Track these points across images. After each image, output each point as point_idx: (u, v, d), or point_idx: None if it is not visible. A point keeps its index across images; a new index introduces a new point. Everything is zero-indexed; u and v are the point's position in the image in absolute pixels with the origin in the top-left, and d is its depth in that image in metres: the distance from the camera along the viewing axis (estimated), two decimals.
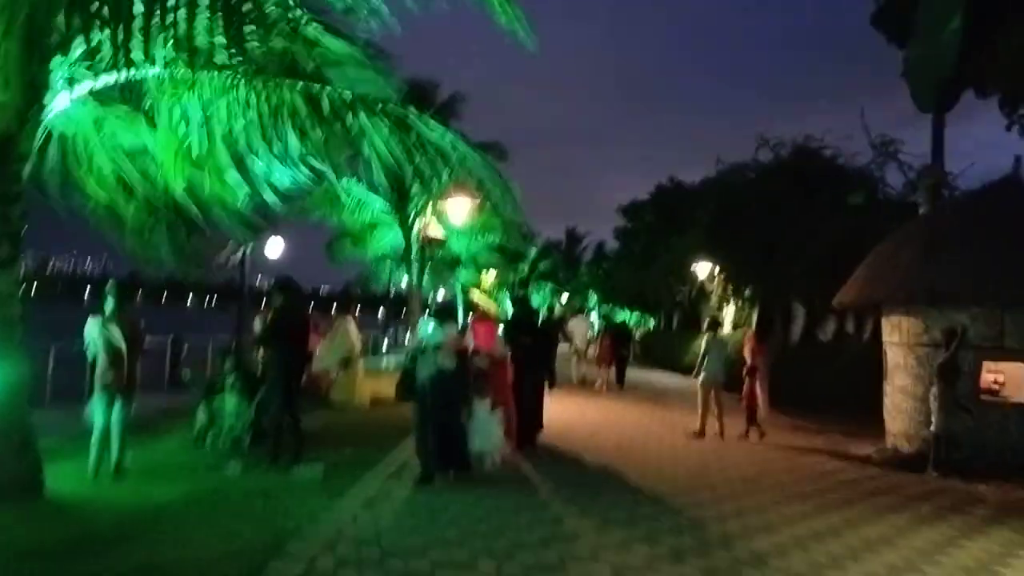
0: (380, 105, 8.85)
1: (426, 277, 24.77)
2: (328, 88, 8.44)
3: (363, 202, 22.97)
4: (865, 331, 21.00)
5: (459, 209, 17.47)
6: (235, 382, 10.45)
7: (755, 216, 23.34)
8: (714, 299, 32.27)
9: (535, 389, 12.33)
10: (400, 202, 21.77)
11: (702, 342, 15.38)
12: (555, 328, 12.47)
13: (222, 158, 9.15)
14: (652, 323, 50.81)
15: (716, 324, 16.10)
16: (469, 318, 16.79)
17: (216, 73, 8.18)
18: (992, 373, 12.34)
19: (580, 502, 8.68)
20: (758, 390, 16.15)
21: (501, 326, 14.23)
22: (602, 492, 9.35)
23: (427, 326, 9.58)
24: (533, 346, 12.18)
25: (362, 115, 8.68)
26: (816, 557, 7.10)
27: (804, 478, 10.97)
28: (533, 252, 58.75)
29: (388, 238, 24.74)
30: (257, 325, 13.72)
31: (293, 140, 8.72)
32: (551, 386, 13.10)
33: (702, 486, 10.01)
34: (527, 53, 8.12)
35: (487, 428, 10.06)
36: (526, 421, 11.97)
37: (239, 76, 8.01)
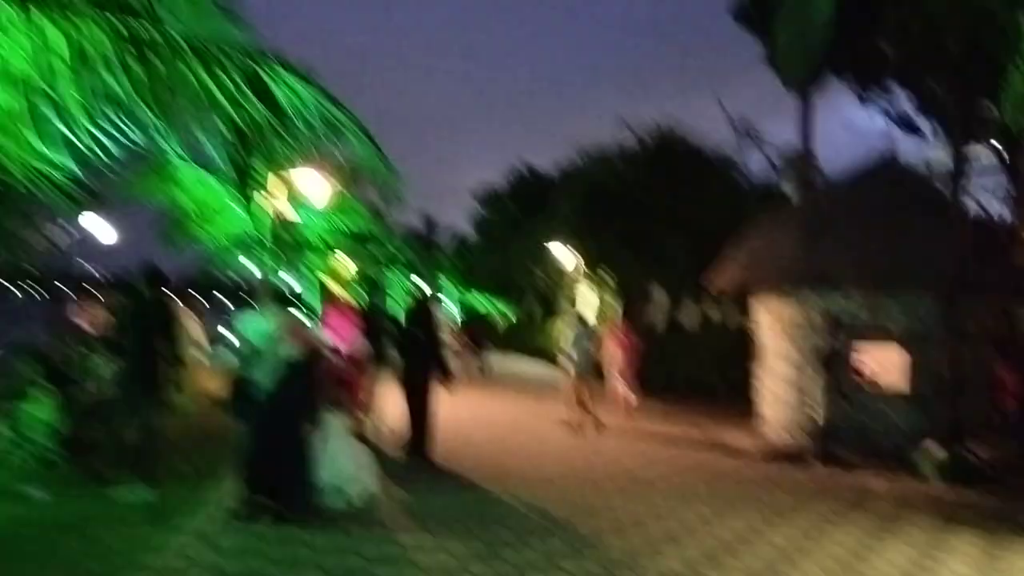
0: (226, 55, 7.34)
1: (276, 264, 22.86)
2: (155, 28, 6.88)
3: (204, 178, 20.81)
4: (730, 317, 21.00)
5: (317, 187, 15.83)
6: (41, 386, 8.70)
7: (619, 202, 23.01)
8: (576, 287, 31.94)
9: (426, 391, 10.51)
10: (248, 178, 19.80)
11: (571, 331, 14.66)
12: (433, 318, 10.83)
13: (21, 111, 7.39)
14: (514, 311, 50.35)
15: (585, 312, 15.43)
16: (324, 308, 15.25)
17: None
18: (870, 359, 12.17)
19: (455, 543, 7.24)
20: (620, 380, 15.66)
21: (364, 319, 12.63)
22: (485, 522, 7.68)
23: (253, 322, 7.56)
24: (424, 342, 10.50)
25: (199, 67, 7.17)
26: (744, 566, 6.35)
27: (693, 477, 10.34)
28: (392, 237, 57.03)
29: (234, 220, 22.64)
30: (90, 318, 11.72)
31: (115, 90, 7.08)
32: (448, 382, 10.87)
33: (591, 491, 9.17)
34: (378, 31, 6.84)
35: (343, 454, 7.65)
36: (417, 430, 10.37)
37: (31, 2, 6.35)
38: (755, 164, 22.34)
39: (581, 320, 14.76)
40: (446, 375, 10.61)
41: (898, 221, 12.12)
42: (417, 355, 10.41)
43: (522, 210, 41.99)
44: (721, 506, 8.54)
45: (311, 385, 7.36)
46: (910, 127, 15.38)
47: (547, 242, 30.55)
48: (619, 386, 15.96)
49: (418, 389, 10.32)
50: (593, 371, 14.67)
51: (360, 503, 7.62)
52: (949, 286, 11.25)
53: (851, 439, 11.77)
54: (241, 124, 7.71)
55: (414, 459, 10.14)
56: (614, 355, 15.68)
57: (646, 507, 8.36)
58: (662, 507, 8.38)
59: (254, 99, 7.57)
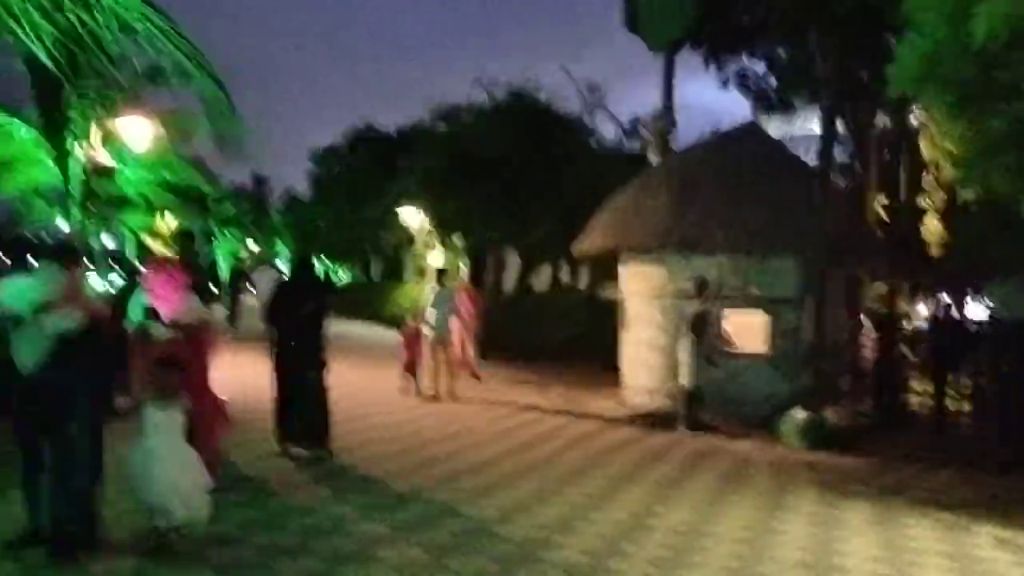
0: None
1: (87, 219, 20.44)
2: None
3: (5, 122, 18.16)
4: (595, 283, 20.75)
5: (140, 133, 13.95)
6: None
7: (471, 163, 22.15)
8: (422, 248, 31.02)
9: (317, 378, 8.64)
10: (59, 124, 17.38)
11: (426, 293, 13.76)
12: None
13: None
14: (354, 273, 48.61)
15: (443, 274, 14.53)
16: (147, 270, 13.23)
17: None
18: (737, 324, 12.01)
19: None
20: (467, 346, 15.03)
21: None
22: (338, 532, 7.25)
23: (14, 286, 5.33)
24: (310, 316, 8.55)
25: None
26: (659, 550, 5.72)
27: (570, 450, 9.73)
28: (221, 195, 53.64)
29: (40, 170, 20.01)
30: None
31: None
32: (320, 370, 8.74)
33: (462, 471, 8.35)
34: None
35: (168, 462, 5.33)
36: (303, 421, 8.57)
37: None
38: (609, 131, 22.08)
39: (443, 280, 13.85)
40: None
41: (763, 186, 11.97)
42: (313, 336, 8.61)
43: (367, 171, 40.31)
44: (606, 486, 7.95)
45: (91, 365, 5.35)
46: (767, 95, 15.39)
47: (395, 204, 29.36)
48: (468, 351, 15.32)
49: (294, 368, 8.54)
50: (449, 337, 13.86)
51: (181, 529, 5.42)
52: (813, 251, 11.18)
53: (718, 405, 11.60)
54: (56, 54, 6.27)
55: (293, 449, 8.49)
56: (464, 319, 14.90)
57: (528, 489, 7.64)
58: (546, 489, 7.69)
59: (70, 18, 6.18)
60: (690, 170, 12.60)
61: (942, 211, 15.05)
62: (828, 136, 11.49)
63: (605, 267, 18.45)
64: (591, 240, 13.40)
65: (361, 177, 39.90)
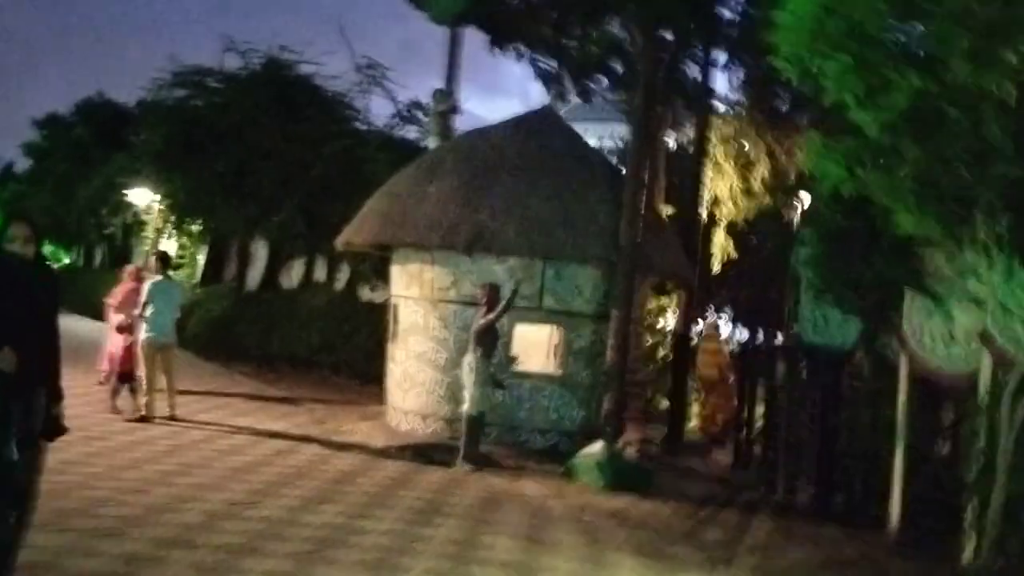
0: None
1: None
2: None
3: None
4: (340, 277, 18.30)
5: None
6: None
7: (215, 138, 18.99)
8: (152, 233, 26.99)
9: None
10: None
11: (146, 286, 10.66)
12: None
13: None
14: (70, 258, 42.34)
15: (167, 260, 11.50)
16: None
17: None
18: (529, 339, 10.29)
19: None
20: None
21: None
22: None
23: None
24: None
25: None
26: None
27: (314, 495, 7.36)
28: None
29: None
30: None
31: None
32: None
33: (166, 541, 5.75)
34: None
35: None
36: None
37: None
38: (384, 112, 19.70)
39: (167, 271, 10.88)
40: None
41: (561, 181, 10.37)
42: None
43: (94, 141, 34.88)
44: (376, 562, 5.74)
45: None
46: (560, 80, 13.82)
47: (121, 181, 25.13)
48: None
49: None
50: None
51: None
52: (623, 261, 9.71)
53: (502, 433, 9.81)
54: None
55: None
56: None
57: (260, 557, 5.25)
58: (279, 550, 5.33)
59: None
60: (480, 158, 10.72)
61: (727, 226, 14.39)
62: (641, 129, 10.08)
63: (370, 264, 16.24)
64: (359, 232, 11.13)
65: (88, 150, 34.47)
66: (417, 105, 18.14)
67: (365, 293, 17.35)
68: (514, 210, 9.89)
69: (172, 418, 10.09)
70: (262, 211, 18.43)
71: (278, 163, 18.23)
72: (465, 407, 9.29)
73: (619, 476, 8.95)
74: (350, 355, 16.18)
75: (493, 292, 9.48)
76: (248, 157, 18.41)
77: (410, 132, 18.93)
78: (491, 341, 9.41)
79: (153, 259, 12.17)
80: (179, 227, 24.23)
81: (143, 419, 9.85)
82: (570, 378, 10.12)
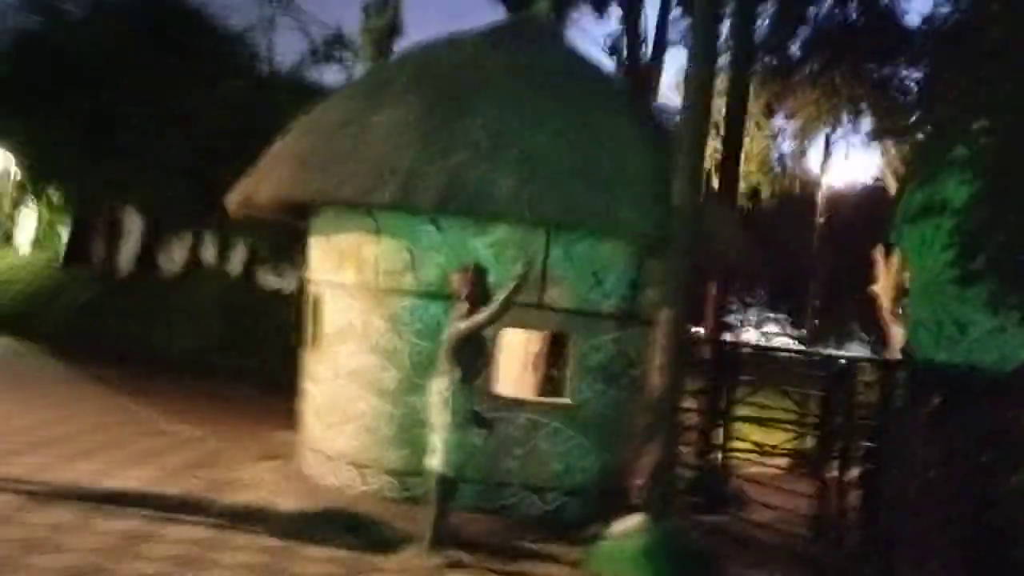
0: None
1: None
2: None
3: None
4: (234, 259, 14.49)
5: None
6: None
7: (70, 78, 14.77)
8: (7, 203, 22.57)
9: None
10: None
11: None
12: None
13: None
14: None
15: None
16: None
17: None
18: (527, 351, 6.90)
19: None
20: None
21: None
22: None
23: None
24: None
25: None
26: None
27: None
28: None
29: None
30: None
31: None
32: None
33: None
34: None
35: None
36: None
37: None
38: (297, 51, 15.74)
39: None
40: None
41: (575, 116, 6.95)
42: None
43: None
44: None
45: None
46: None
47: None
48: None
49: None
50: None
51: None
52: (682, 234, 6.37)
53: (486, 494, 6.41)
54: None
55: None
56: None
57: None
58: None
59: None
60: (447, 77, 7.15)
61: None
62: (703, 45, 6.72)
63: (276, 238, 12.57)
64: (262, 185, 7.42)
65: None
66: (339, 40, 14.40)
67: (269, 279, 13.66)
68: (504, 151, 6.41)
69: None
70: (133, 172, 14.35)
71: (155, 112, 14.22)
72: (433, 461, 5.83)
73: (678, 572, 5.69)
74: (250, 358, 12.50)
75: (477, 279, 6.00)
76: (116, 103, 14.30)
77: (329, 75, 15.18)
78: (474, 357, 5.96)
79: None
80: (38, 195, 19.80)
81: None
82: (582, 410, 6.74)
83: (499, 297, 5.76)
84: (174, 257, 15.89)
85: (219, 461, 8.00)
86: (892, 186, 13.04)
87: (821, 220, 19.48)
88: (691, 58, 6.55)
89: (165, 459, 7.81)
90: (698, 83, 6.41)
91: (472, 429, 6.02)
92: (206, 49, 15.30)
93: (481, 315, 5.78)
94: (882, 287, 12.74)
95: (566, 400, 6.76)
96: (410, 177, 6.34)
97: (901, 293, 12.53)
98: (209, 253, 15.02)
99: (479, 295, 5.98)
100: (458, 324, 5.88)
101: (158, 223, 15.90)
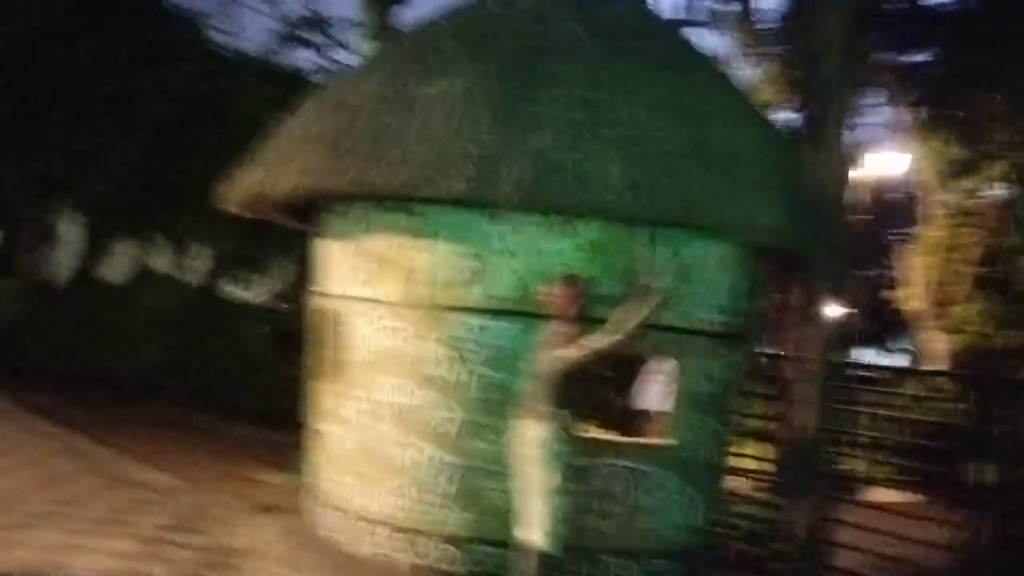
0: None
1: None
2: None
3: None
4: (196, 265, 12.76)
5: None
6: None
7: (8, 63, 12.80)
8: None
9: None
10: None
11: None
12: None
13: None
14: None
15: None
16: None
17: None
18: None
19: None
20: None
21: None
22: None
23: None
24: None
25: None
26: None
27: None
28: None
29: None
30: None
31: None
32: None
33: None
34: None
35: None
36: None
37: None
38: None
39: None
40: None
41: (679, 90, 5.61)
42: None
43: None
44: None
45: None
46: None
47: None
48: None
49: None
50: None
51: None
52: (834, 237, 5.12)
53: (571, 558, 5.04)
54: None
55: None
56: None
57: None
58: None
59: None
60: (512, 41, 5.73)
61: None
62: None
63: (242, 243, 10.99)
64: (280, 178, 5.85)
65: None
66: (315, 20, 12.80)
67: (234, 290, 11.99)
68: (601, 130, 5.04)
69: None
70: (68, 170, 12.44)
71: (94, 99, 12.36)
72: (531, 533, 4.43)
73: None
74: (214, 382, 10.83)
75: (578, 292, 4.64)
76: (45, 89, 12.38)
77: (302, 61, 13.56)
78: (576, 394, 4.59)
79: None
80: None
81: None
82: (685, 451, 5.41)
83: (621, 317, 4.40)
84: (117, 266, 14.00)
85: (206, 520, 6.43)
86: (925, 184, 12.15)
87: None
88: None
89: (139, 521, 6.18)
90: (843, 60, 5.16)
91: (577, 483, 4.65)
92: (154, 25, 13.49)
93: (600, 340, 4.40)
94: (913, 290, 11.79)
95: (669, 441, 5.41)
96: (483, 164, 4.91)
97: (939, 296, 11.63)
98: (162, 261, 13.22)
99: (575, 313, 4.63)
100: (564, 352, 4.49)
101: (99, 226, 13.98)
